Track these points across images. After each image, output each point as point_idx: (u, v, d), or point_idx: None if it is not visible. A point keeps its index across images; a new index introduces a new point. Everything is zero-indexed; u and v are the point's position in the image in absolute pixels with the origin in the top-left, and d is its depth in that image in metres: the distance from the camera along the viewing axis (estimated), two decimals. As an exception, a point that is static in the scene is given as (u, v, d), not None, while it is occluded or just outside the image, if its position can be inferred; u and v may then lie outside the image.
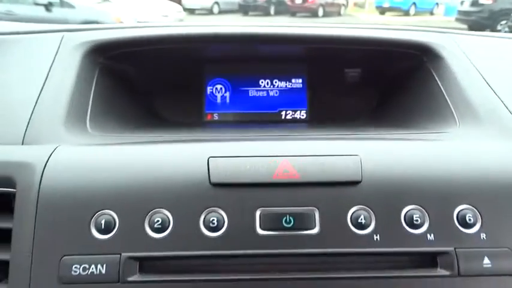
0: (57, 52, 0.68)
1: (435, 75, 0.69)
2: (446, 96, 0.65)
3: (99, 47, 0.68)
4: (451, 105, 0.64)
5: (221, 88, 0.88)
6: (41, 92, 0.62)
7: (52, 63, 0.66)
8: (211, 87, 0.88)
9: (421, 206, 0.49)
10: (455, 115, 0.63)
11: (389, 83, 0.83)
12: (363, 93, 0.86)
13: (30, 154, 0.53)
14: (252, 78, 0.89)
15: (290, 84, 0.89)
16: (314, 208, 0.48)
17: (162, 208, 0.48)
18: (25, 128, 0.58)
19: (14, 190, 0.50)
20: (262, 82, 0.89)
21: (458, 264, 0.47)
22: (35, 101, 0.61)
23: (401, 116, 0.73)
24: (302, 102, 0.88)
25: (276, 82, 0.89)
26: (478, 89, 0.64)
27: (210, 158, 0.50)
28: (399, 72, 0.79)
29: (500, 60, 0.71)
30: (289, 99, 0.88)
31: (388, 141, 0.55)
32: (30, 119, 0.59)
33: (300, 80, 0.90)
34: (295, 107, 0.88)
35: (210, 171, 0.49)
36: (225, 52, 0.82)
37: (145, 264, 0.48)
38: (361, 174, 0.49)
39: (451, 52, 0.70)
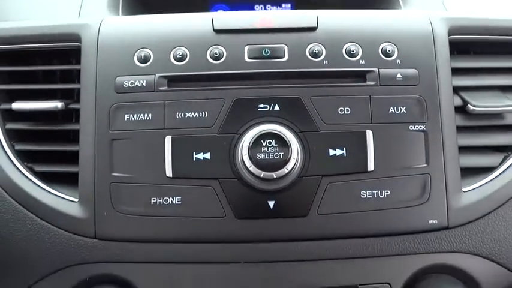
0: None
1: None
2: None
3: None
4: None
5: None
6: None
7: None
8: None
9: (357, 43, 0.72)
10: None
11: None
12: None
13: (87, 20, 0.78)
14: (248, 4, 1.13)
15: (280, 8, 1.14)
16: (284, 45, 0.72)
17: (182, 46, 0.72)
18: (79, 10, 0.84)
19: (80, 44, 0.75)
20: (257, 7, 1.13)
21: (379, 77, 0.70)
22: None
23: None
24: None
25: (268, 7, 1.14)
26: None
27: (213, 17, 0.74)
28: None
29: None
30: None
31: (341, 10, 0.79)
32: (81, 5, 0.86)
33: (289, 5, 1.14)
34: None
35: (214, 22, 0.73)
36: None
37: (170, 80, 0.71)
38: (317, 22, 0.73)
39: None
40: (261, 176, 0.63)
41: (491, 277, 0.69)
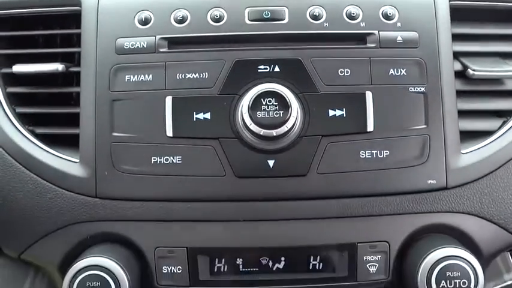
0: None
1: None
2: None
3: None
4: None
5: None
6: None
7: None
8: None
9: (357, 6, 0.72)
10: None
11: None
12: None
13: None
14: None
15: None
16: (284, 7, 0.72)
17: (182, 8, 0.72)
18: None
19: (80, 8, 0.75)
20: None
21: (379, 40, 0.70)
22: None
23: None
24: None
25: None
26: None
27: None
28: None
29: None
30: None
31: None
32: None
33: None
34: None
35: None
36: None
37: (171, 42, 0.71)
38: None
39: None
40: (261, 133, 0.63)
41: (489, 237, 0.69)
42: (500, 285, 0.77)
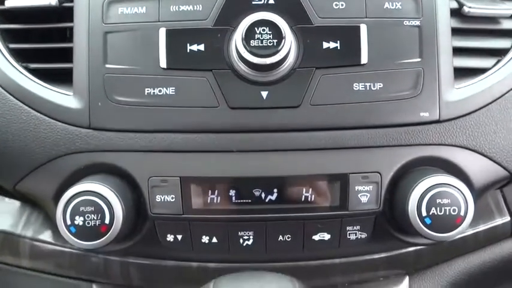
0: None
1: None
2: None
3: None
4: None
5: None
6: None
7: None
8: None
9: None
10: None
11: None
12: None
13: None
14: None
15: None
16: None
17: None
18: None
19: None
20: None
21: None
22: None
23: None
24: None
25: None
26: None
27: None
28: None
29: None
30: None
31: None
32: None
33: None
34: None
35: None
36: None
37: None
38: None
39: None
40: (254, 62, 0.63)
41: (480, 170, 0.70)
42: (490, 225, 0.78)
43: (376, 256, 0.74)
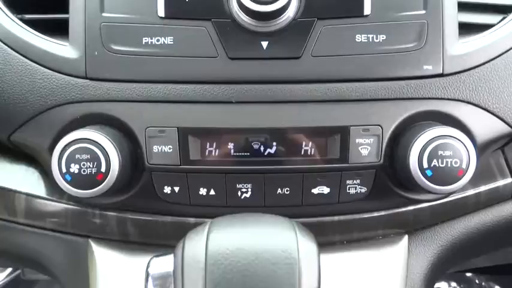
0: None
1: None
2: None
3: None
4: None
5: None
6: None
7: None
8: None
9: None
10: None
11: None
12: None
13: None
14: None
15: None
16: None
17: None
18: None
19: None
20: None
21: None
22: None
23: None
24: None
25: None
26: None
27: None
28: None
29: None
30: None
31: None
32: None
33: None
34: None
35: None
36: None
37: None
38: None
39: None
40: (255, 9, 0.62)
41: (483, 126, 0.69)
42: (491, 186, 0.77)
43: (375, 214, 0.74)
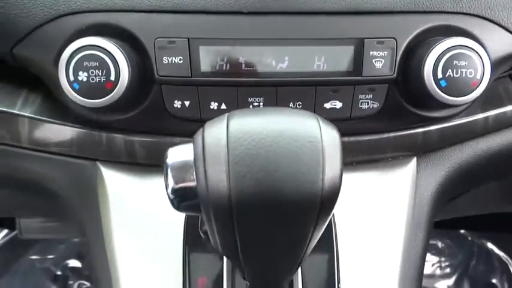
0: None
1: None
2: None
3: None
4: None
5: None
6: None
7: None
8: None
9: None
10: None
11: None
12: None
13: None
14: None
15: None
16: None
17: None
18: None
19: None
20: None
21: None
22: None
23: None
24: None
25: None
26: None
27: None
28: None
29: None
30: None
31: None
32: None
33: None
34: None
35: None
36: None
37: None
38: None
39: None
40: None
41: (497, 42, 0.68)
42: (499, 111, 0.77)
43: (385, 136, 0.74)
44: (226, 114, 0.45)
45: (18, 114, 0.75)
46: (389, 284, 0.68)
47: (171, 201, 0.47)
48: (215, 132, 0.42)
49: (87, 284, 2.02)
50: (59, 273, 2.06)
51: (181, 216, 0.70)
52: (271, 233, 0.44)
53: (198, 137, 0.44)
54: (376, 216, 0.73)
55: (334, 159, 0.41)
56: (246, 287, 0.63)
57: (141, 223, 0.72)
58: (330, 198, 0.40)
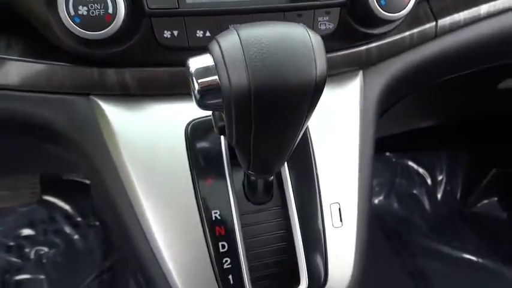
0: None
1: None
2: None
3: None
4: None
5: None
6: None
7: None
8: None
9: None
10: None
11: None
12: None
13: None
14: None
15: None
16: None
17: None
18: None
19: None
20: None
21: None
22: None
23: None
24: None
25: None
26: None
27: None
28: None
29: None
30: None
31: None
32: None
33: None
34: None
35: None
36: None
37: None
38: None
39: None
40: None
41: None
42: (421, 28, 0.97)
43: (337, 53, 0.90)
44: (232, 27, 0.56)
45: (4, 58, 0.78)
46: (351, 158, 0.88)
47: (198, 101, 0.57)
48: (229, 40, 0.54)
49: (45, 249, 2.03)
50: (11, 243, 2.04)
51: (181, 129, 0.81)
52: (278, 114, 0.57)
53: (213, 45, 0.55)
54: (338, 119, 0.91)
55: (322, 54, 0.55)
56: (243, 177, 0.77)
57: (146, 146, 0.81)
58: (321, 82, 0.54)
